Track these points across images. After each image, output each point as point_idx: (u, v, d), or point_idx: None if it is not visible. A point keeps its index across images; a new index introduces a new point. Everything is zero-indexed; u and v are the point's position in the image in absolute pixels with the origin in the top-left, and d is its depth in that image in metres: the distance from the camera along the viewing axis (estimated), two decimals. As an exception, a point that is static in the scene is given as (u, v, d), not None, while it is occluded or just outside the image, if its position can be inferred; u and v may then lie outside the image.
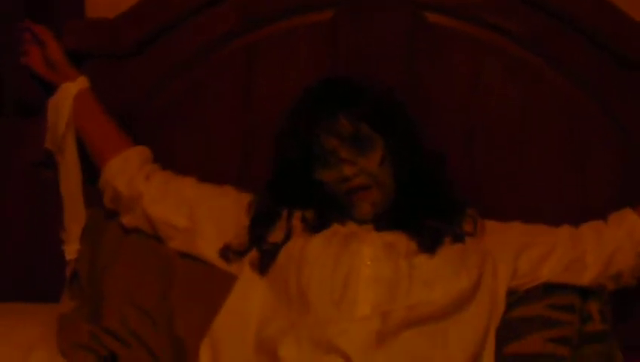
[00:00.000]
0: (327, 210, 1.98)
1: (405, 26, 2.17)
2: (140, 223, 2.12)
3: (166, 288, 2.02)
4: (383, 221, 1.97)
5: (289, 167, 2.01)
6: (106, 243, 2.15)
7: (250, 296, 1.96)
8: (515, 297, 2.00)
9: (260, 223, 2.03)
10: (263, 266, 1.98)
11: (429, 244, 1.90)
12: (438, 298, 1.84)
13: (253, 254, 2.00)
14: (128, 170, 2.12)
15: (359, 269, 1.86)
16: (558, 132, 2.18)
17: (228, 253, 2.04)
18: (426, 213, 1.98)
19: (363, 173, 1.94)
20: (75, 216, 2.22)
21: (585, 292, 2.03)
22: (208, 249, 2.06)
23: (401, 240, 1.91)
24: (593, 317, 1.99)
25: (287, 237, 1.97)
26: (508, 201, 2.18)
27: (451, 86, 2.16)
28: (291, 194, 2.03)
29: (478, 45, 2.16)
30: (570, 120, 2.17)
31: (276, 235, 2.00)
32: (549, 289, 2.02)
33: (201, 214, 2.07)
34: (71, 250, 2.22)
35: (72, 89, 2.17)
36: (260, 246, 2.00)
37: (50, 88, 2.18)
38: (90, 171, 2.19)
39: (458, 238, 1.97)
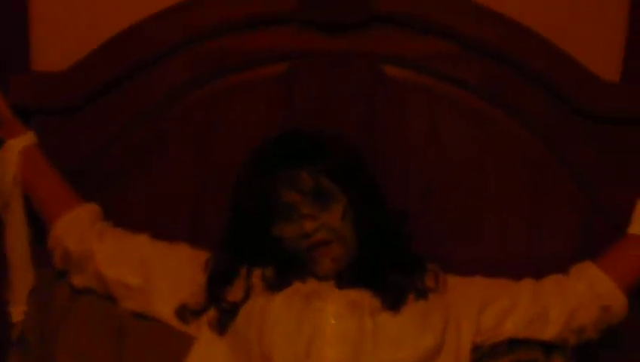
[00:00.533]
0: (287, 267, 1.94)
1: (363, 80, 2.15)
2: (92, 283, 2.06)
3: (120, 350, 1.95)
4: (345, 277, 1.94)
5: (246, 222, 1.97)
6: (56, 304, 2.09)
7: (209, 358, 1.91)
8: (480, 353, 1.97)
9: (217, 281, 1.99)
10: (222, 326, 1.93)
11: (393, 302, 1.88)
12: (403, 358, 1.82)
13: (211, 314, 1.96)
14: (79, 228, 2.06)
15: (323, 329, 1.82)
16: (517, 183, 2.17)
17: (185, 312, 1.99)
18: (388, 269, 1.95)
19: (324, 228, 1.90)
20: (22, 276, 2.15)
21: (548, 347, 2.01)
22: (164, 308, 2.01)
23: (364, 298, 1.88)
24: (552, 372, 1.97)
25: (247, 296, 1.93)
26: (467, 255, 2.16)
27: (409, 139, 2.14)
28: (249, 251, 1.99)
29: (435, 97, 2.15)
30: (529, 171, 2.17)
31: (235, 294, 1.96)
32: (513, 344, 1.99)
33: (155, 273, 2.03)
34: (17, 311, 2.14)
35: (18, 145, 2.11)
36: (218, 305, 1.95)
37: (-4, 144, 2.11)
38: (38, 230, 2.12)
39: (421, 294, 1.94)
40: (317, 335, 1.81)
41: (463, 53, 2.13)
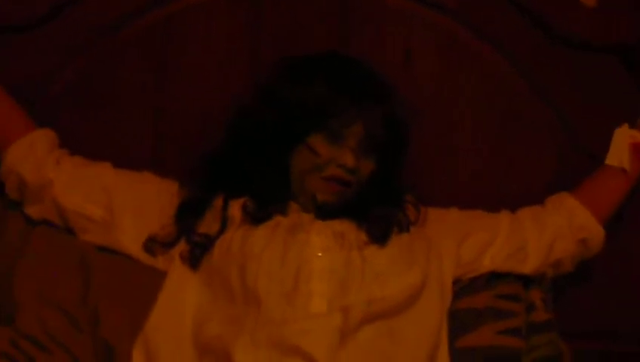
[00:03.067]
0: (268, 199, 1.88)
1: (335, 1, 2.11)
2: (49, 214, 1.98)
3: (86, 286, 1.88)
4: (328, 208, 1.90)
5: (260, 135, 1.90)
6: (9, 238, 2.00)
7: (183, 292, 1.87)
8: (459, 287, 1.98)
9: (189, 212, 1.93)
10: (195, 260, 1.88)
11: (380, 235, 1.85)
12: (392, 294, 1.80)
13: (183, 246, 1.90)
14: (34, 155, 1.97)
15: (311, 261, 1.79)
16: (492, 112, 2.17)
17: (153, 245, 1.93)
18: (372, 200, 1.91)
19: (353, 172, 1.86)
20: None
21: (526, 281, 2.01)
22: (129, 242, 1.94)
23: (350, 230, 1.86)
24: (536, 305, 1.99)
25: (223, 228, 1.87)
26: (442, 184, 2.16)
27: (383, 65, 2.08)
28: (228, 179, 1.92)
29: (409, 21, 2.13)
30: (504, 99, 2.17)
31: (207, 226, 1.90)
32: (493, 278, 2.00)
33: (119, 204, 1.95)
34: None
35: None
36: (190, 237, 1.89)
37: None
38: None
39: (404, 227, 1.91)
40: (303, 269, 1.78)
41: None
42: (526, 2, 2.10)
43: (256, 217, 1.86)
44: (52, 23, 2.08)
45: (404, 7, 2.12)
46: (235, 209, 1.89)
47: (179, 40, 2.12)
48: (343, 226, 1.86)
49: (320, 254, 1.80)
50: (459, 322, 1.91)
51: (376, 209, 1.92)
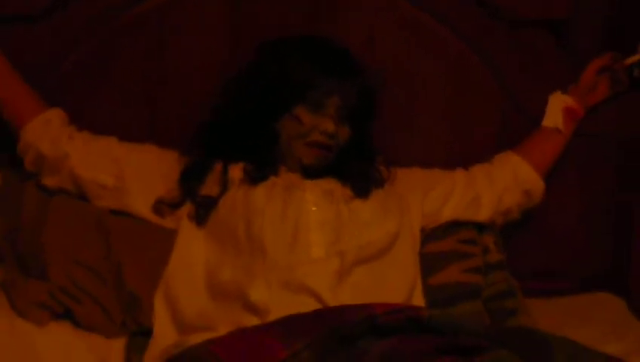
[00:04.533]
0: (263, 162, 2.19)
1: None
2: (66, 184, 2.26)
3: (106, 244, 2.17)
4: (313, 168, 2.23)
5: (248, 106, 2.22)
6: (27, 205, 2.26)
7: (193, 246, 2.16)
8: (425, 234, 2.31)
9: (192, 176, 2.23)
10: (201, 217, 2.18)
11: (362, 190, 2.18)
12: (376, 239, 2.13)
13: (189, 207, 2.20)
14: (50, 131, 2.25)
15: (307, 215, 2.10)
16: (445, 84, 2.52)
17: (161, 206, 2.23)
18: (352, 160, 2.24)
19: (334, 137, 2.18)
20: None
21: (480, 227, 2.36)
22: (140, 205, 2.24)
23: (336, 187, 2.18)
24: (490, 248, 2.33)
25: (225, 188, 2.17)
26: (403, 151, 2.48)
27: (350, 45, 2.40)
28: (226, 146, 2.23)
29: (372, 5, 2.46)
30: (455, 72, 2.51)
31: (208, 188, 2.20)
32: (453, 225, 2.33)
33: (128, 172, 2.25)
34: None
35: None
36: (195, 198, 2.19)
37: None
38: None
39: (379, 184, 2.24)
40: (301, 222, 2.09)
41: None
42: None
43: (255, 178, 2.17)
44: (55, 13, 2.35)
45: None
46: (234, 172, 2.20)
47: (170, 27, 2.41)
48: (330, 184, 2.19)
49: (314, 209, 2.12)
50: (429, 263, 2.25)
51: (354, 167, 2.24)
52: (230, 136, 2.25)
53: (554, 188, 2.50)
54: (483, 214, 2.38)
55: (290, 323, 1.80)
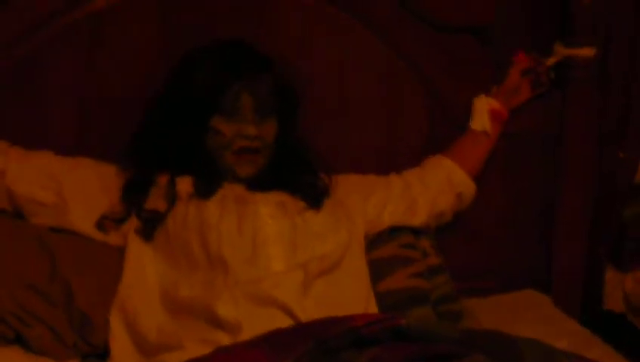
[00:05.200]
0: (209, 174, 2.16)
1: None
2: (1, 202, 2.17)
3: (52, 263, 2.10)
4: (257, 180, 2.20)
5: (176, 120, 2.19)
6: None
7: (144, 262, 2.13)
8: (368, 241, 2.32)
9: (136, 190, 2.18)
10: (149, 233, 2.13)
11: (314, 201, 2.18)
12: (331, 250, 2.14)
13: (135, 222, 2.15)
14: None
15: (263, 228, 2.09)
16: (375, 89, 2.55)
17: (105, 223, 2.17)
18: (299, 171, 2.24)
19: (258, 138, 2.17)
20: None
21: (416, 232, 2.39)
22: (82, 222, 2.18)
23: (287, 199, 2.17)
24: (428, 252, 2.36)
25: (173, 202, 2.13)
26: (331, 157, 2.45)
27: (283, 51, 2.40)
28: (165, 160, 2.19)
29: (308, 13, 2.47)
30: (384, 78, 2.55)
31: (153, 202, 2.16)
32: (392, 231, 2.35)
33: (68, 188, 2.19)
34: None
35: None
36: (140, 213, 2.15)
37: None
38: None
39: (326, 192, 2.25)
40: (258, 235, 2.08)
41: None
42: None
43: (205, 192, 2.14)
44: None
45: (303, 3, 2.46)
46: (182, 185, 2.16)
47: (100, 37, 2.36)
48: (281, 197, 2.18)
49: (270, 222, 2.11)
50: (374, 270, 2.26)
51: (301, 178, 2.24)
52: (165, 150, 2.21)
53: (477, 187, 2.54)
54: (419, 219, 2.41)
55: (275, 339, 1.79)
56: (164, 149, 2.21)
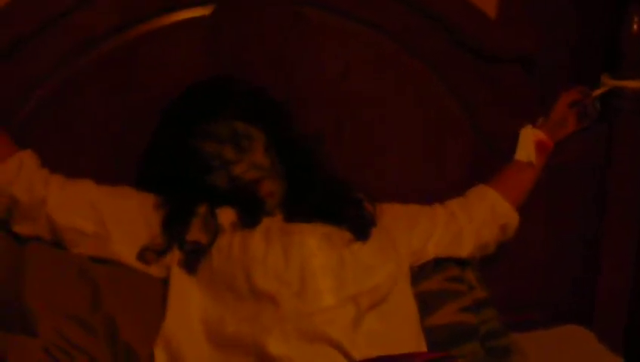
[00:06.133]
0: (251, 203, 2.12)
1: (282, 22, 2.36)
2: (41, 231, 2.13)
3: (95, 294, 2.06)
4: (294, 212, 2.17)
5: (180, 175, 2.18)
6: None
7: (189, 296, 2.08)
8: (412, 273, 2.28)
9: (176, 221, 2.13)
10: (193, 265, 2.09)
11: (362, 233, 2.13)
12: (380, 282, 2.10)
13: (177, 254, 2.11)
14: (24, 175, 2.12)
15: (310, 260, 2.05)
16: (416, 119, 2.50)
17: (147, 254, 2.13)
18: (342, 202, 2.20)
19: (252, 168, 2.14)
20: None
21: (461, 263, 2.35)
22: (124, 252, 2.14)
23: (332, 230, 2.12)
24: (474, 285, 2.33)
25: (216, 234, 2.09)
26: (375, 188, 2.39)
27: (322, 78, 2.39)
28: (209, 194, 2.15)
29: (349, 40, 2.41)
30: (426, 107, 2.50)
31: (194, 233, 2.12)
32: (437, 263, 2.32)
33: (109, 217, 2.14)
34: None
35: None
36: (183, 245, 2.11)
37: None
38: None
39: (373, 222, 2.21)
40: (307, 268, 2.03)
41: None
42: (454, 24, 2.44)
43: (249, 222, 2.10)
44: (20, 53, 2.22)
45: (344, 27, 2.40)
46: (224, 216, 2.12)
47: (140, 67, 2.31)
48: (325, 228, 2.13)
49: (317, 253, 2.06)
50: (422, 304, 2.21)
51: (346, 208, 2.20)
52: (195, 185, 2.19)
53: (521, 219, 2.49)
54: (465, 250, 2.37)
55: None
56: (194, 187, 2.18)
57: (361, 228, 2.16)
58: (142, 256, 2.13)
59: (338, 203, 2.21)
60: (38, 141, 2.22)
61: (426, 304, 2.23)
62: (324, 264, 2.06)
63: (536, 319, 2.59)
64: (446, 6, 2.43)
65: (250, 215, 2.12)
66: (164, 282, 2.11)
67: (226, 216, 2.12)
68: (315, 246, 2.08)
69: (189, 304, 2.07)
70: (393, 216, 2.31)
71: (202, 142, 2.15)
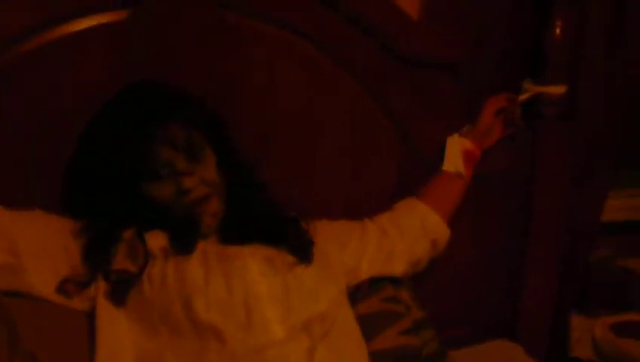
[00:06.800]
0: (183, 226, 1.94)
1: (204, 27, 2.18)
2: None
3: (12, 333, 1.83)
4: (229, 233, 1.99)
5: (113, 186, 1.95)
6: None
7: (118, 332, 1.90)
8: (348, 294, 2.13)
9: (99, 249, 1.93)
10: (121, 296, 1.90)
11: (305, 256, 1.98)
12: (323, 311, 1.95)
13: (102, 285, 1.91)
14: None
15: (254, 288, 1.89)
16: (343, 128, 2.36)
17: (67, 286, 1.92)
18: (280, 222, 2.04)
19: (202, 184, 1.95)
20: None
21: (394, 282, 2.22)
22: (40, 285, 1.92)
23: (272, 253, 1.96)
24: (410, 304, 2.20)
25: (146, 261, 1.90)
26: (302, 203, 2.26)
27: (248, 87, 2.22)
28: (130, 215, 1.95)
29: (272, 46, 2.25)
30: (353, 116, 2.36)
31: (120, 261, 1.92)
32: (371, 283, 2.18)
33: (22, 246, 1.92)
34: None
35: None
36: (108, 275, 1.91)
37: None
38: None
39: (311, 243, 2.06)
40: (250, 296, 1.87)
41: (303, 2, 2.25)
42: (378, 28, 2.31)
43: (185, 248, 1.91)
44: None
45: (266, 32, 2.24)
46: (154, 241, 1.93)
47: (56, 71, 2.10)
48: (265, 251, 1.97)
49: (260, 280, 1.90)
50: (362, 328, 2.07)
51: (282, 227, 2.04)
52: (117, 208, 1.97)
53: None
54: (399, 268, 2.25)
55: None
56: (116, 209, 1.97)
57: (302, 250, 2.00)
58: (62, 288, 1.92)
59: (276, 222, 2.05)
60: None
61: (367, 328, 2.09)
62: (269, 291, 1.90)
63: (464, 334, 2.49)
64: (368, 8, 2.30)
65: (185, 239, 1.93)
66: (89, 315, 1.91)
67: (156, 240, 1.93)
68: (258, 271, 1.91)
69: (120, 340, 1.87)
70: (325, 235, 2.16)
71: (157, 145, 1.92)
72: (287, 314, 1.88)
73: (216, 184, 1.98)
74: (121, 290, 1.90)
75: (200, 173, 1.95)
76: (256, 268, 1.91)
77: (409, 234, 2.28)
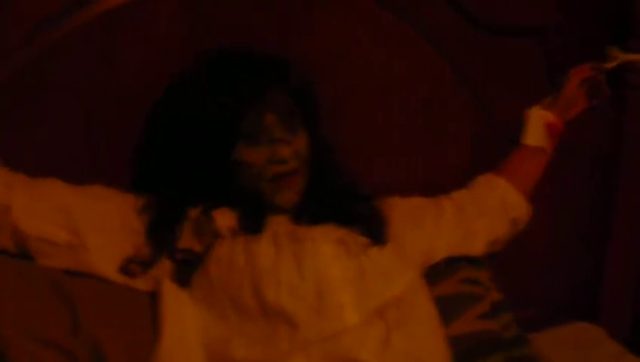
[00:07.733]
0: (254, 204, 1.84)
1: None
2: (4, 242, 1.80)
3: (73, 314, 1.76)
4: (303, 211, 1.89)
5: (198, 154, 1.85)
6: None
7: (183, 315, 1.79)
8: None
9: (164, 227, 1.84)
10: (187, 278, 1.81)
11: (379, 237, 1.87)
12: (402, 293, 1.84)
13: (167, 264, 1.82)
14: None
15: (327, 271, 1.79)
16: (417, 97, 2.25)
17: (131, 267, 1.83)
18: (351, 201, 1.93)
19: (294, 156, 1.85)
20: None
21: (472, 263, 2.12)
22: (102, 264, 1.82)
23: (346, 235, 1.86)
24: (489, 286, 2.09)
25: (212, 241, 1.81)
26: (376, 167, 2.21)
27: (322, 52, 2.12)
28: (203, 190, 1.85)
29: (348, 12, 2.14)
30: (429, 84, 2.25)
31: (185, 240, 1.83)
32: (448, 264, 2.07)
33: (84, 225, 1.82)
34: None
35: None
36: (173, 255, 1.82)
37: None
38: None
39: (385, 223, 1.95)
40: (323, 280, 1.77)
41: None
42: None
43: (255, 228, 1.82)
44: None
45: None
46: (222, 220, 1.84)
47: (117, 39, 2.00)
48: (338, 232, 1.86)
49: (333, 263, 1.80)
50: (439, 311, 1.96)
51: (354, 206, 1.93)
52: (187, 184, 1.88)
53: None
54: (478, 247, 2.13)
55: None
56: (187, 183, 1.88)
57: (376, 230, 1.89)
58: (125, 268, 1.83)
59: (350, 202, 1.94)
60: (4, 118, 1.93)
61: (443, 312, 1.97)
62: (342, 275, 1.79)
63: (535, 316, 2.38)
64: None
65: (254, 217, 1.83)
66: (153, 296, 1.82)
67: (224, 219, 1.84)
68: (331, 254, 1.81)
69: (186, 323, 1.78)
70: (399, 213, 2.05)
71: (264, 109, 1.82)
72: (361, 299, 1.78)
73: (306, 161, 1.88)
74: (186, 271, 1.81)
75: (295, 144, 1.85)
76: (328, 250, 1.81)
77: (488, 211, 2.15)
